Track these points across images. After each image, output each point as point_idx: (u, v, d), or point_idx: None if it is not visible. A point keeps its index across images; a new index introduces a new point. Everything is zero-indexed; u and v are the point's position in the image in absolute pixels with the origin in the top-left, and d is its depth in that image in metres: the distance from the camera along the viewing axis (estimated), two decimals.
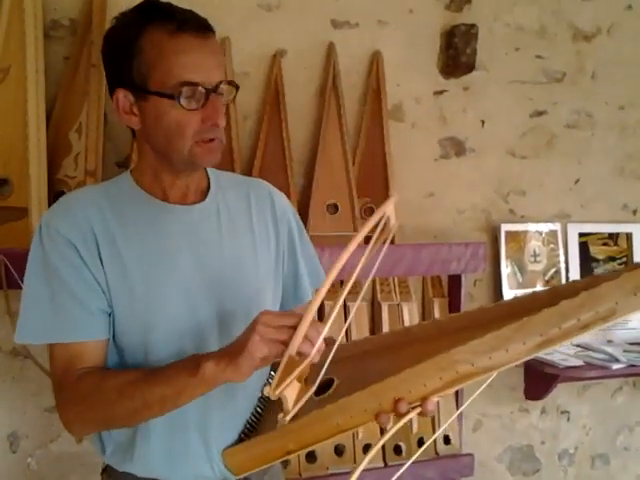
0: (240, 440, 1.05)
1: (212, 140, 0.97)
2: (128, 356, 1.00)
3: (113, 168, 1.57)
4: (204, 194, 1.08)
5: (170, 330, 1.00)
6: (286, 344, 0.86)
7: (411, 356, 0.94)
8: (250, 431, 1.07)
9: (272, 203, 1.15)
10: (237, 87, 1.00)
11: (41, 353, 1.43)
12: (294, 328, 0.86)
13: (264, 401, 1.10)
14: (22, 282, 1.28)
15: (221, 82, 0.96)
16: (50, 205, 1.42)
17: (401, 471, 0.89)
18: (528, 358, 0.81)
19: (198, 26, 0.95)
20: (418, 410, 0.86)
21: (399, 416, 0.86)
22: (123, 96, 0.97)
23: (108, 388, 0.93)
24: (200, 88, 0.94)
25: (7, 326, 1.41)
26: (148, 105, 0.96)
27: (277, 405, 0.95)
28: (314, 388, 0.89)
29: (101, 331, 0.98)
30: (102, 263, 0.97)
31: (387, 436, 0.88)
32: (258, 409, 1.09)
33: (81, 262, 0.96)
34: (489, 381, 0.86)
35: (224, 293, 1.04)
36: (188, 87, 0.93)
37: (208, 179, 1.10)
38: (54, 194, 1.46)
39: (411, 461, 0.90)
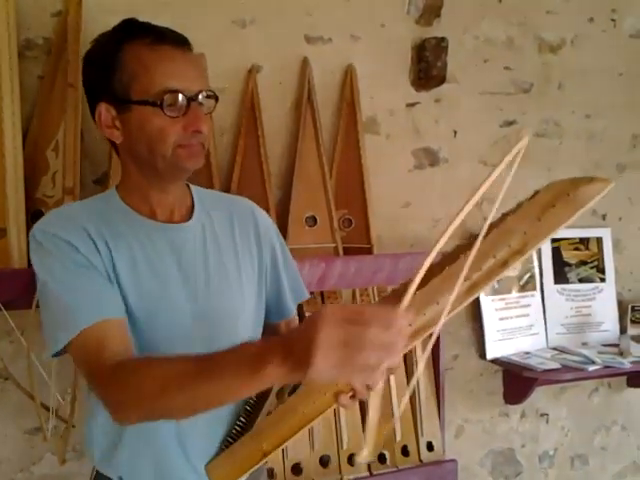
0: (221, 451, 1.05)
1: (193, 144, 0.98)
2: None
3: (90, 186, 1.56)
4: (189, 212, 1.09)
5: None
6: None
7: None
8: (230, 443, 1.06)
9: (255, 221, 1.16)
10: (217, 98, 1.02)
11: (22, 375, 1.41)
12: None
13: (249, 410, 1.08)
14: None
15: (201, 91, 0.98)
16: (29, 224, 1.42)
17: None
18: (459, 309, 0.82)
19: (176, 38, 0.99)
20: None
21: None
22: (105, 110, 0.99)
23: (151, 378, 0.84)
24: (181, 96, 0.96)
25: None
26: (131, 116, 0.97)
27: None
28: None
29: (123, 308, 0.97)
30: (104, 264, 0.98)
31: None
32: (242, 418, 1.07)
33: (87, 261, 0.96)
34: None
35: (210, 313, 1.05)
36: (170, 94, 0.95)
37: (192, 197, 1.11)
38: (32, 213, 1.44)
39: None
